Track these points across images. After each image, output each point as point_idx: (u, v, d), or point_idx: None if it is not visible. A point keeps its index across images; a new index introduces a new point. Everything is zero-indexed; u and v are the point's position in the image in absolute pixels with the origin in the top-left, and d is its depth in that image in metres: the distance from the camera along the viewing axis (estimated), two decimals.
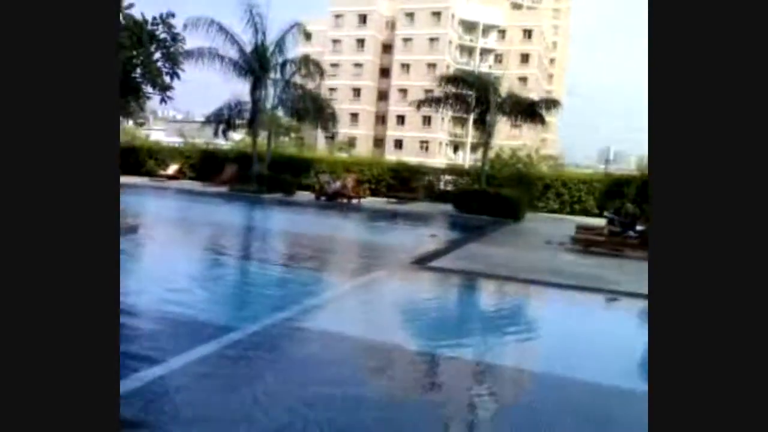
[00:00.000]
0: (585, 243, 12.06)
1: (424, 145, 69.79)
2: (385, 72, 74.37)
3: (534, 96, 28.37)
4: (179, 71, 10.48)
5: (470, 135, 67.52)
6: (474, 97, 19.95)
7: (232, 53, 21.42)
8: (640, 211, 14.88)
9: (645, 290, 7.93)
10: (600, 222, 15.35)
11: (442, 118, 65.37)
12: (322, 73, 24.07)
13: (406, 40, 72.06)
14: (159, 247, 10.52)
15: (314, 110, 23.26)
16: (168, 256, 9.83)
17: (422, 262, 9.42)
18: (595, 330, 6.98)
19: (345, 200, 20.12)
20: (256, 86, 22.05)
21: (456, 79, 20.73)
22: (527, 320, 7.44)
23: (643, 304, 7.98)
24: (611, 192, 20.38)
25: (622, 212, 13.33)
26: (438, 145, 70.29)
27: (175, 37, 10.34)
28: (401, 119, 71.10)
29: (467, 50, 76.12)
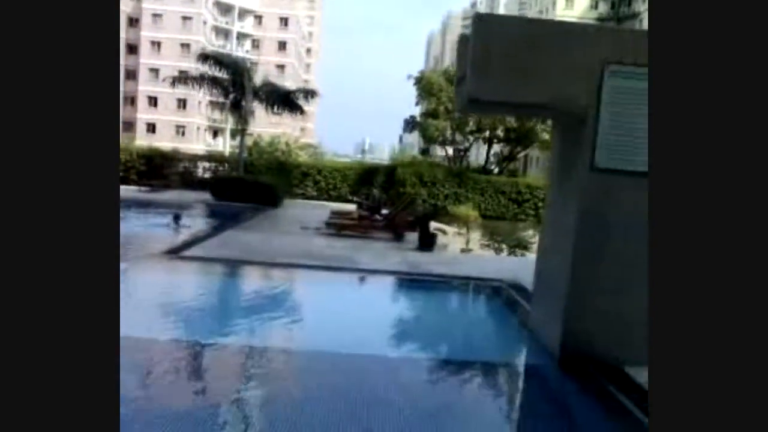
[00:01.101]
0: (338, 227, 12.83)
1: (181, 129, 66.07)
2: (132, 49, 68.21)
3: (291, 84, 28.92)
4: None
5: (230, 121, 66.02)
6: (230, 81, 19.63)
7: None
8: (385, 196, 16.36)
9: (389, 267, 8.77)
10: (353, 207, 16.45)
11: (199, 102, 62.67)
12: None
13: (156, 15, 67.03)
14: None
15: None
16: None
17: (175, 251, 9.05)
18: (349, 306, 7.55)
19: None
20: None
21: (211, 58, 20.13)
22: (283, 303, 7.71)
23: (387, 279, 8.89)
24: (362, 179, 21.92)
25: (369, 198, 14.50)
26: (196, 130, 67.18)
27: None
28: (153, 101, 66.14)
29: (223, 33, 73.93)
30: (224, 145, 67.90)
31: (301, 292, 8.45)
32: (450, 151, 29.66)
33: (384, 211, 13.79)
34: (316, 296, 8.04)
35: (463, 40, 5.08)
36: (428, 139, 26.89)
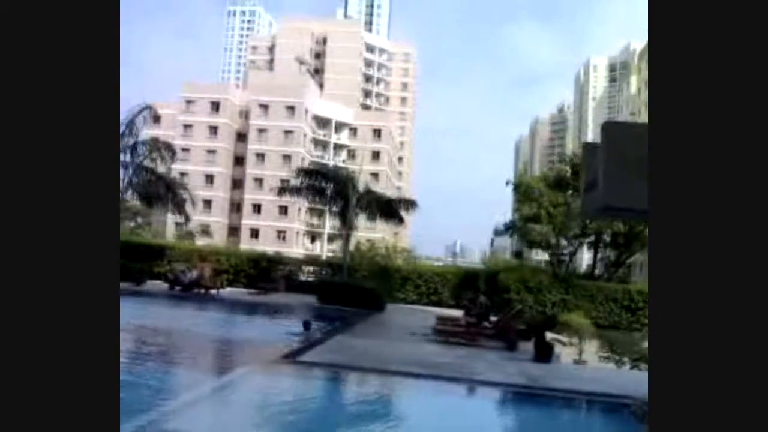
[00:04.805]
0: (446, 334, 12.57)
1: (281, 234, 69.35)
2: (239, 160, 73.99)
3: (388, 192, 29.97)
4: None
5: (327, 226, 68.80)
6: (332, 190, 20.61)
7: None
8: (491, 302, 15.97)
9: (500, 378, 8.37)
10: (457, 313, 16.14)
11: (299, 209, 65.90)
12: (173, 156, 23.45)
13: (261, 130, 72.82)
14: None
15: (167, 195, 22.30)
16: None
17: (290, 356, 9.15)
18: (462, 419, 7.20)
19: (202, 291, 19.12)
20: None
21: (315, 171, 21.39)
22: (398, 413, 7.51)
23: (507, 392, 8.44)
24: (463, 284, 21.63)
25: (477, 304, 14.21)
26: (295, 234, 70.28)
27: None
28: (257, 208, 70.43)
29: (321, 144, 78.81)
30: (321, 249, 70.25)
31: (420, 402, 8.16)
32: (548, 255, 28.92)
33: (492, 318, 13.40)
34: (430, 409, 7.72)
35: (589, 147, 5.09)
36: (530, 244, 26.49)
